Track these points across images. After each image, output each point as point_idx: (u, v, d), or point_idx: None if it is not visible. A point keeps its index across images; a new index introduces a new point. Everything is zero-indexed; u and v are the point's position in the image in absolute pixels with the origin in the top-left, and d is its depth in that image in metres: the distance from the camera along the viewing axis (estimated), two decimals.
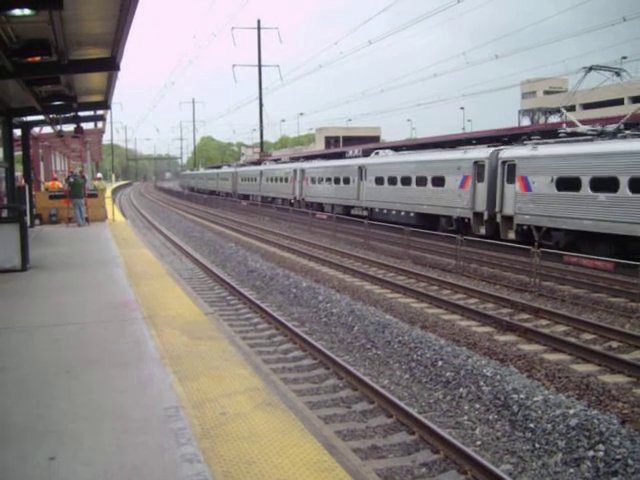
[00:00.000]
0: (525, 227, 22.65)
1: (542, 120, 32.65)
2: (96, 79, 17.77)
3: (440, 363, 10.19)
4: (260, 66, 63.94)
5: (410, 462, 7.20)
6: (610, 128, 21.97)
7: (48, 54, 12.73)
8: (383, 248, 24.72)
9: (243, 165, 72.05)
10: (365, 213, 34.48)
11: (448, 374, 9.81)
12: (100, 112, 26.56)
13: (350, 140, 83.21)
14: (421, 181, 29.35)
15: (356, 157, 39.70)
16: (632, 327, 12.63)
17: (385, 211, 32.71)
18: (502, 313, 13.83)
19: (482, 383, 9.21)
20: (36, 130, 29.72)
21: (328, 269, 20.37)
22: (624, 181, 18.54)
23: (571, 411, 7.86)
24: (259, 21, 63.16)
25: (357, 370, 10.10)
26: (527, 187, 22.40)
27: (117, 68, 14.97)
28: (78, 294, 10.91)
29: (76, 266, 14.25)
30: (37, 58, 13.23)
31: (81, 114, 23.80)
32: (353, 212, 36.23)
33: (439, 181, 27.87)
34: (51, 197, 26.72)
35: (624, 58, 59.10)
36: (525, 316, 13.61)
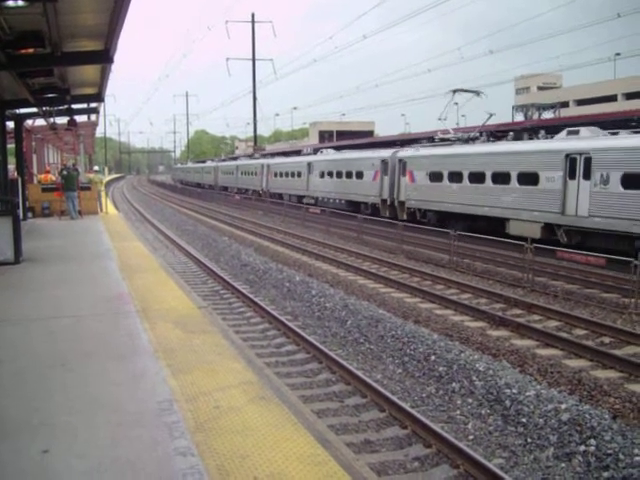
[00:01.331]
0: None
1: (535, 116, 32.60)
2: (90, 71, 17.70)
3: (433, 358, 10.23)
4: (254, 60, 63.79)
5: (403, 456, 7.23)
6: (466, 136, 28.38)
7: (42, 46, 12.67)
8: (376, 243, 24.74)
9: (224, 160, 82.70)
10: (312, 201, 40.83)
11: (441, 369, 9.84)
12: (93, 105, 26.45)
13: (344, 134, 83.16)
14: (348, 175, 35.90)
15: (308, 155, 47.11)
16: (624, 323, 12.70)
17: (326, 199, 38.84)
18: (495, 308, 13.88)
19: (475, 378, 9.25)
20: (29, 122, 29.58)
21: (322, 263, 20.38)
22: (465, 174, 25.32)
23: (563, 406, 7.91)
24: (253, 15, 62.97)
25: (350, 364, 10.12)
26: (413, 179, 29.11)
27: (111, 61, 14.92)
28: (72, 287, 10.90)
29: (69, 259, 14.22)
30: (30, 50, 13.15)
31: (74, 107, 23.70)
32: (305, 200, 41.87)
33: (360, 175, 34.39)
34: (44, 190, 26.61)
35: (618, 54, 59.37)
36: (518, 311, 13.66)
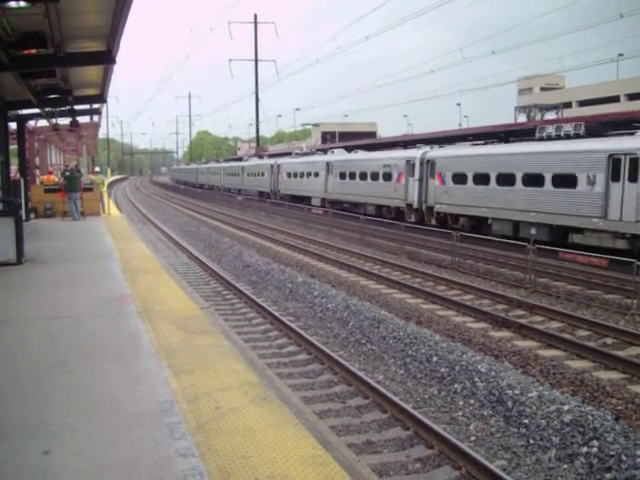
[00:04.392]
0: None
1: (538, 117, 32.56)
2: (92, 72, 17.72)
3: (435, 359, 10.21)
4: (257, 61, 63.72)
5: (404, 457, 7.21)
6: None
7: (44, 47, 12.68)
8: (379, 244, 24.71)
9: (207, 162, 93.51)
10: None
11: (443, 370, 9.82)
12: (96, 106, 26.53)
13: (346, 135, 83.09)
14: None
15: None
16: (627, 324, 12.66)
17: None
18: (497, 309, 13.85)
19: (477, 379, 9.22)
20: (31, 123, 29.61)
21: (324, 264, 20.36)
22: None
23: (565, 407, 7.88)
24: (256, 16, 62.95)
25: (352, 365, 10.11)
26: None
27: (113, 61, 14.93)
28: (73, 288, 10.90)
29: (71, 260, 14.22)
30: (33, 51, 13.18)
31: (77, 108, 23.75)
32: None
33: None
34: (46, 191, 26.64)
35: (620, 55, 59.26)
36: (520, 312, 13.63)
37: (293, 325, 12.42)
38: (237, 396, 5.74)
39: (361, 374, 9.52)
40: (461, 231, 21.96)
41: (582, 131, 21.64)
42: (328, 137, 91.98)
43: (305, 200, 41.53)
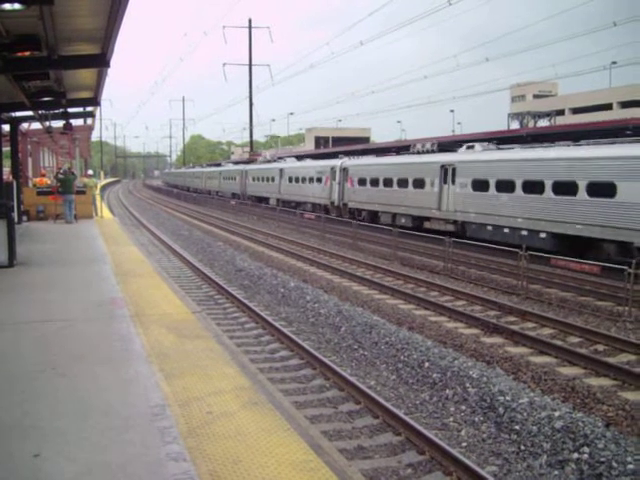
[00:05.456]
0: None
1: (531, 124, 32.75)
2: (86, 75, 17.69)
3: (427, 364, 10.22)
4: (251, 65, 63.85)
5: (396, 463, 7.21)
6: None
7: (38, 49, 12.64)
8: (371, 249, 24.73)
9: (194, 167, 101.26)
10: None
11: (435, 375, 9.83)
12: (89, 109, 26.46)
13: (340, 140, 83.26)
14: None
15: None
16: (618, 331, 12.71)
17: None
18: (489, 315, 13.88)
19: (468, 385, 9.24)
20: (25, 126, 29.58)
21: (316, 269, 20.36)
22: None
23: (556, 413, 7.90)
24: (250, 20, 63.10)
25: (344, 370, 10.11)
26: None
27: (107, 65, 14.89)
28: (65, 291, 10.87)
29: (64, 263, 14.18)
30: (27, 53, 13.13)
31: (70, 110, 23.70)
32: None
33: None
34: (39, 193, 26.57)
35: (614, 63, 59.63)
36: (512, 318, 13.66)
37: (285, 330, 12.41)
38: (229, 400, 5.74)
39: (353, 379, 9.52)
40: (362, 221, 30.33)
41: (435, 148, 29.21)
42: (322, 142, 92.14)
43: (265, 200, 49.05)
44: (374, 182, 31.87)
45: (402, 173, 29.35)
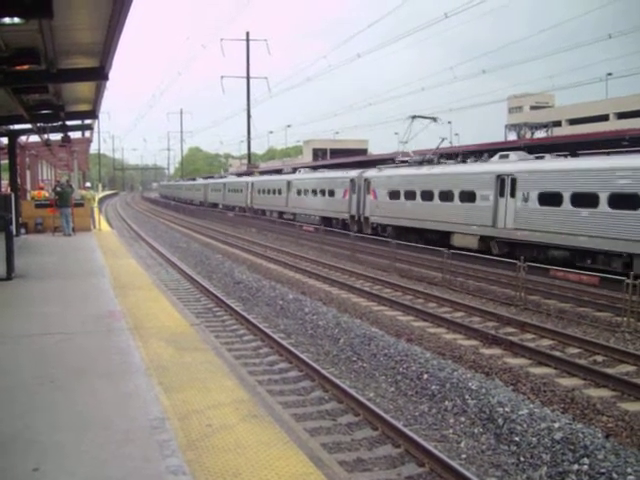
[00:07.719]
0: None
1: (528, 135, 32.82)
2: (84, 88, 17.76)
3: (426, 376, 10.20)
4: (248, 78, 64.02)
5: (395, 475, 7.19)
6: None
7: (37, 63, 12.70)
8: (370, 261, 24.74)
9: (179, 180, 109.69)
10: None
11: (434, 387, 9.82)
12: (88, 121, 26.53)
13: (337, 152, 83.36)
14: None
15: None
16: (617, 341, 12.71)
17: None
18: (488, 326, 13.87)
19: (467, 396, 9.22)
20: (23, 139, 29.60)
21: (315, 281, 20.35)
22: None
23: (556, 425, 7.89)
24: (248, 33, 63.31)
25: (343, 382, 10.08)
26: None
27: (106, 78, 14.96)
28: (64, 304, 10.85)
29: (62, 276, 14.16)
30: (26, 66, 13.19)
31: (69, 123, 23.76)
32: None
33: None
34: (37, 206, 26.58)
35: (609, 75, 59.93)
36: (511, 330, 13.65)
37: (284, 342, 12.40)
38: (228, 413, 5.72)
39: (352, 391, 9.50)
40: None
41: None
42: (319, 154, 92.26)
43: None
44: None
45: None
